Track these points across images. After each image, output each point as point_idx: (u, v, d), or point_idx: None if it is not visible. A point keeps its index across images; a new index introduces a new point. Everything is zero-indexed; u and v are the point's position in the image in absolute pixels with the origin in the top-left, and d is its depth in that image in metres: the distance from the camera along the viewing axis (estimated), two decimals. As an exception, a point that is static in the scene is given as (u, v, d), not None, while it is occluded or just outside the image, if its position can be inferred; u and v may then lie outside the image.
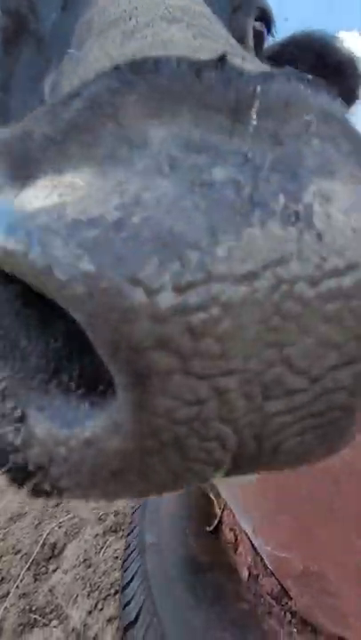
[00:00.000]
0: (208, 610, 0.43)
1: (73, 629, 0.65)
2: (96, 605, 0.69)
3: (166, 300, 0.12)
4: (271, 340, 0.13)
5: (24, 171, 0.15)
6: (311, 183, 0.14)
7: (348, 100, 0.81)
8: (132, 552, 0.54)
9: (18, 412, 0.17)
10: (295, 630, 0.42)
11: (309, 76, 0.16)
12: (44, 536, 0.88)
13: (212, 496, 0.62)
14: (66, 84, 0.38)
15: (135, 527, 0.58)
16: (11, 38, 0.56)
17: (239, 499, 0.43)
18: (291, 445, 0.16)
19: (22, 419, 0.17)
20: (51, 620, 0.68)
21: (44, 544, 0.86)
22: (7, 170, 0.15)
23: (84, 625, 0.66)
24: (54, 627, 0.66)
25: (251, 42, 0.56)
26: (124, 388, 0.14)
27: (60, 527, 0.91)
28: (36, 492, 0.18)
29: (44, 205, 0.14)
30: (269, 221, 0.13)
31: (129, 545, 0.56)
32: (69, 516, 0.95)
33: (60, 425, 0.17)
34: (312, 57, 0.68)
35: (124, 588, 0.50)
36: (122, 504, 0.99)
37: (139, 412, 0.14)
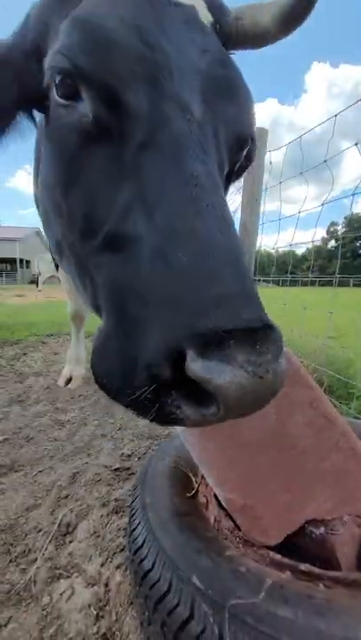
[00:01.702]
0: (188, 534, 0.69)
1: (91, 576, 0.89)
2: (107, 559, 0.94)
3: None
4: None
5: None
6: (270, 367, 0.39)
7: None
8: (136, 510, 0.80)
9: None
10: (240, 545, 0.70)
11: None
12: (60, 518, 1.11)
13: (191, 475, 0.90)
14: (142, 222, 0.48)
15: (138, 495, 0.84)
16: (95, 133, 0.54)
17: (205, 462, 0.71)
18: None
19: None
20: (72, 574, 0.91)
21: (60, 524, 1.09)
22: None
23: (99, 573, 0.90)
24: (76, 577, 0.90)
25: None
26: None
27: (71, 511, 1.14)
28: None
29: None
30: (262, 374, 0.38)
31: (134, 506, 0.82)
32: (78, 502, 1.19)
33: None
34: None
35: (132, 530, 0.76)
36: (119, 493, 1.24)
37: None
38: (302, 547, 0.73)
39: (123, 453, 1.55)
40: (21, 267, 36.81)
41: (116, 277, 0.51)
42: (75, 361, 2.53)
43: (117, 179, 0.52)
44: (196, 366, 0.36)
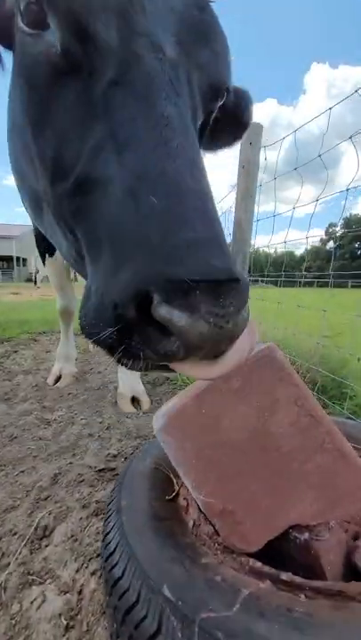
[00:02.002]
0: (163, 541, 0.65)
1: (64, 583, 0.85)
2: (82, 565, 0.89)
3: None
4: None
5: None
6: (231, 318, 0.41)
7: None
8: (112, 513, 0.75)
9: None
10: (219, 552, 0.65)
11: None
12: (37, 521, 1.06)
13: (172, 477, 0.85)
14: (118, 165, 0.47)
15: (115, 497, 0.80)
16: (63, 66, 0.51)
17: (181, 463, 0.67)
18: None
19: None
20: (46, 580, 0.86)
21: (36, 527, 1.04)
22: None
23: (73, 579, 0.85)
24: (49, 583, 0.85)
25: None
26: None
27: (50, 514, 1.09)
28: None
29: None
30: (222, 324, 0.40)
31: (110, 509, 0.77)
32: (58, 504, 1.14)
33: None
34: None
35: (106, 534, 0.71)
36: (101, 495, 1.19)
37: None
38: (286, 553, 0.68)
39: (109, 453, 1.50)
40: (18, 265, 36.66)
41: (89, 221, 0.50)
42: (64, 358, 2.48)
43: (87, 117, 0.51)
44: (161, 310, 0.38)
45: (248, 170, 2.30)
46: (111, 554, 0.65)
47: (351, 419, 1.43)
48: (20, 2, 0.51)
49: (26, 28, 0.53)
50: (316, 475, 0.66)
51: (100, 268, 0.47)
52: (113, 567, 0.63)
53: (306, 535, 0.67)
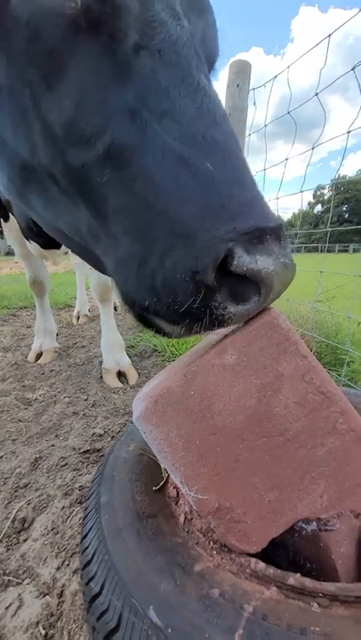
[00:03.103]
0: (148, 544, 0.55)
1: (44, 583, 0.76)
2: (63, 562, 0.80)
3: None
4: None
5: None
6: (290, 258, 0.46)
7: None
8: (90, 511, 0.65)
9: None
10: (215, 552, 0.56)
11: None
12: (14, 513, 0.96)
13: (160, 462, 0.75)
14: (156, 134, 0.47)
15: (93, 492, 0.69)
16: (83, 24, 0.48)
17: (169, 456, 0.55)
18: None
19: None
20: (23, 580, 0.78)
21: (14, 520, 0.94)
22: None
23: (54, 579, 0.77)
24: (27, 584, 0.77)
25: None
26: None
27: (29, 504, 1.00)
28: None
29: None
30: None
31: (87, 506, 0.67)
32: (38, 493, 1.04)
33: None
34: None
35: (83, 538, 0.61)
36: (86, 479, 1.10)
37: None
38: (291, 547, 0.60)
39: (94, 433, 1.40)
40: (-3, 238, 35.00)
41: (132, 192, 0.48)
42: (43, 333, 2.32)
43: (113, 82, 0.49)
44: (245, 261, 0.41)
45: (235, 117, 2.05)
46: (88, 563, 0.55)
47: (350, 386, 1.35)
48: None
49: None
50: (328, 461, 0.56)
51: (151, 244, 0.47)
52: (90, 580, 0.53)
53: (313, 525, 0.58)
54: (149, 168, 0.46)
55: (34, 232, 1.53)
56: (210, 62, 0.63)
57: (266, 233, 0.42)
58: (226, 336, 0.57)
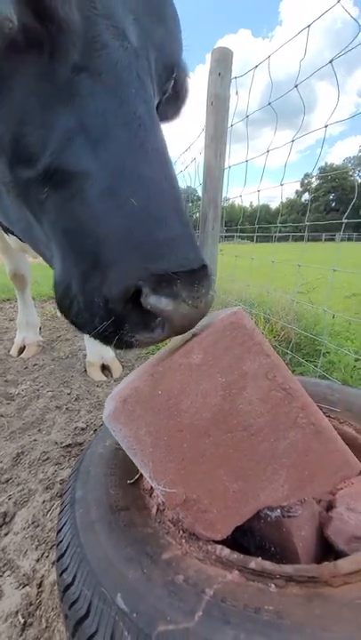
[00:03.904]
0: (119, 536, 0.58)
1: (24, 574, 0.78)
2: (43, 554, 0.83)
3: None
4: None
5: None
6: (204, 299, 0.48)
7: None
8: (65, 506, 0.67)
9: None
10: (184, 541, 0.59)
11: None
12: (-5, 508, 0.98)
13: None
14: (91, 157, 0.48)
15: (69, 487, 0.71)
16: (22, 44, 0.47)
17: (138, 452, 0.57)
18: None
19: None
20: (4, 572, 0.80)
21: (-5, 514, 0.96)
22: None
23: (34, 570, 0.79)
24: (7, 576, 0.79)
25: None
26: None
27: (10, 499, 1.02)
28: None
29: None
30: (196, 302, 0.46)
31: (63, 501, 0.69)
32: (19, 487, 1.06)
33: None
34: None
35: (58, 532, 0.63)
36: (67, 473, 1.12)
37: None
38: (258, 532, 0.64)
39: (77, 427, 1.42)
40: (-21, 227, 33.81)
41: (63, 214, 0.51)
42: (26, 326, 2.30)
43: (52, 101, 0.49)
44: (151, 300, 0.43)
45: (217, 106, 2.03)
46: (62, 555, 0.58)
47: (325, 377, 1.40)
48: None
49: None
50: (289, 453, 0.59)
51: (77, 264, 0.50)
52: (63, 571, 0.55)
53: (277, 512, 0.62)
54: (80, 194, 0.48)
55: None
56: (168, 70, 0.62)
57: (176, 278, 0.43)
58: (193, 336, 0.59)
